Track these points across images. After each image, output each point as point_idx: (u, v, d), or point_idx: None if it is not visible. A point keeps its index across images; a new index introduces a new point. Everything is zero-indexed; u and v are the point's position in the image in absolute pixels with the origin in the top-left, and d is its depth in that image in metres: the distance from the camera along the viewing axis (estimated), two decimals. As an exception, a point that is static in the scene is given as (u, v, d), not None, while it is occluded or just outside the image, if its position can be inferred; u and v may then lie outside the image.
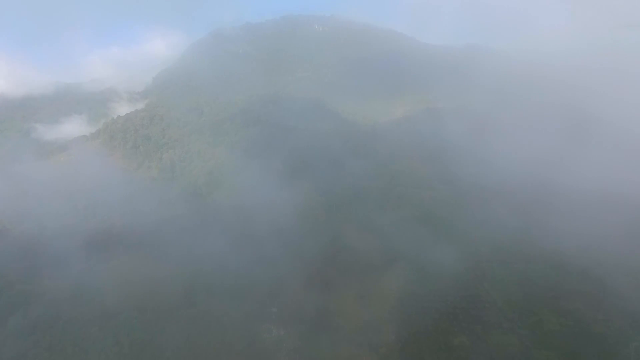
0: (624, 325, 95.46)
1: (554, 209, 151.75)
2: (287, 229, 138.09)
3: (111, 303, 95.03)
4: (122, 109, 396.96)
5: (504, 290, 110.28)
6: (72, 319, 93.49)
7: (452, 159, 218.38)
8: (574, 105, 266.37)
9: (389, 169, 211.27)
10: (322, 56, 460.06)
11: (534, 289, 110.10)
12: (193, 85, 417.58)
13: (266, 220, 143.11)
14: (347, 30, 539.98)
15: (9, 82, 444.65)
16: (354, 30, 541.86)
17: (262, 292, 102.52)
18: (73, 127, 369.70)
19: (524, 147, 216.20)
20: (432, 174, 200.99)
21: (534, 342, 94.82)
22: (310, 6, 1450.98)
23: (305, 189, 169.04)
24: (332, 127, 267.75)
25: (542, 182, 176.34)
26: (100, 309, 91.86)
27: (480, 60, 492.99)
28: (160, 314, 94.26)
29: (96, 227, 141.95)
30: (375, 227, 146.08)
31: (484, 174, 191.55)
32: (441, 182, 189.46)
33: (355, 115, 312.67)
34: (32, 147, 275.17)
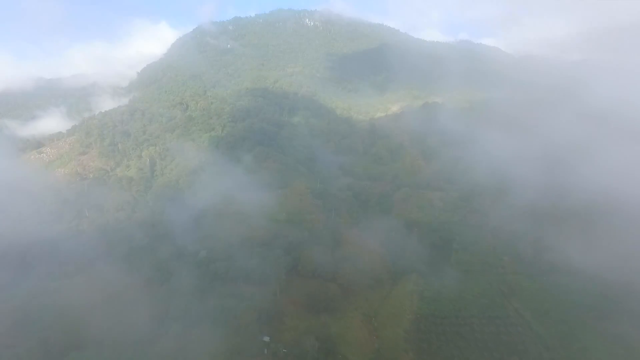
0: (686, 353, 79.67)
1: (576, 213, 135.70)
2: (280, 236, 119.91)
3: (58, 336, 75.32)
4: (106, 105, 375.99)
5: (537, 309, 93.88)
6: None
7: (455, 156, 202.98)
8: (576, 100, 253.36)
9: (390, 167, 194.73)
10: (313, 51, 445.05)
11: (570, 307, 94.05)
12: (179, 80, 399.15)
13: (256, 227, 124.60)
14: (338, 25, 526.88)
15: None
16: (346, 25, 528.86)
17: (250, 316, 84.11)
18: (51, 124, 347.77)
19: (531, 144, 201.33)
20: (437, 172, 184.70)
21: (582, 376, 78.71)
22: (301, 0, 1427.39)
23: (299, 191, 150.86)
24: (326, 123, 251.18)
25: (555, 182, 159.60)
26: (41, 348, 70.78)
27: (473, 55, 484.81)
28: (124, 349, 75.20)
29: (56, 237, 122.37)
30: (380, 234, 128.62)
31: (491, 172, 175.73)
32: (448, 182, 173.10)
33: (349, 111, 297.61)
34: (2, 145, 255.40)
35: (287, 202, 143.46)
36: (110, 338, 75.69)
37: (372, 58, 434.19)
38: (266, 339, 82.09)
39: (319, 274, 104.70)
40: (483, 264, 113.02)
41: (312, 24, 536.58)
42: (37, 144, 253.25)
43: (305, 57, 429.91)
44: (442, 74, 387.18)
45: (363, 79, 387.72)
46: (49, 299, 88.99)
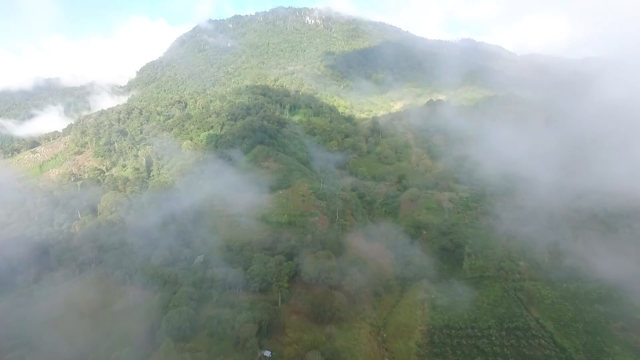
0: None
1: (594, 215, 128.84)
2: (281, 240, 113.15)
3: (36, 354, 68.30)
4: (104, 103, 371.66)
5: (559, 319, 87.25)
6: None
7: (463, 155, 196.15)
8: (585, 99, 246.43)
9: (395, 167, 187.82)
10: (314, 49, 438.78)
11: (595, 317, 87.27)
12: (178, 78, 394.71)
13: (256, 230, 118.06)
14: (339, 24, 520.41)
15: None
16: (346, 23, 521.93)
17: (250, 328, 77.26)
18: (49, 123, 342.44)
19: (542, 142, 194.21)
20: (444, 172, 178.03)
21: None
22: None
23: (301, 191, 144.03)
24: (328, 122, 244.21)
25: (570, 182, 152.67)
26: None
27: (475, 53, 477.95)
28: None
29: (45, 240, 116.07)
30: (387, 237, 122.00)
31: (501, 171, 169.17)
32: (456, 182, 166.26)
33: (351, 109, 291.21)
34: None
35: (288, 204, 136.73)
36: (96, 354, 68.86)
37: (373, 56, 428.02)
38: (267, 353, 75.20)
39: (323, 280, 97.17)
40: (498, 269, 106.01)
41: (312, 22, 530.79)
42: (33, 143, 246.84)
43: (306, 55, 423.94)
44: (443, 72, 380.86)
45: (364, 77, 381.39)
46: (31, 310, 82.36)
